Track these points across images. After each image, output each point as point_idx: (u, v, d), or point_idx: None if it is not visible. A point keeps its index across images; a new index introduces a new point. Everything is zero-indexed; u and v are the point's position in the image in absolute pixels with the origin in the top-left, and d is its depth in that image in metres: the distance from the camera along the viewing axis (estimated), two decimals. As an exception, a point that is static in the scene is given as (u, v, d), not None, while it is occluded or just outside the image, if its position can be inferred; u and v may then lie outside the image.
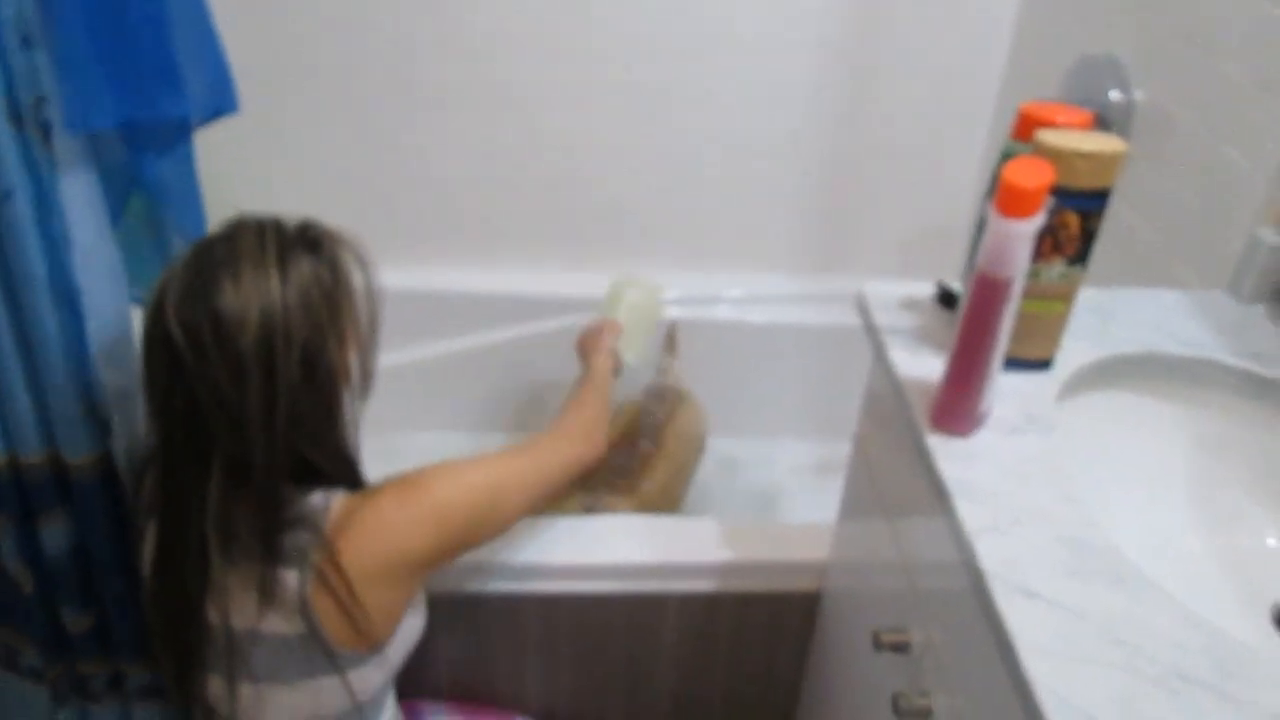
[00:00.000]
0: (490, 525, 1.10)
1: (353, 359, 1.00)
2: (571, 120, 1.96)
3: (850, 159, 2.03)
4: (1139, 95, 1.46)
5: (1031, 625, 0.76)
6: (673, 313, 2.10)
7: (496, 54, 1.88)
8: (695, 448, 1.86)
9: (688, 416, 1.85)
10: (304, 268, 0.94)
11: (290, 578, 0.97)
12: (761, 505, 2.09)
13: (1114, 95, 1.49)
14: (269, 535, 0.96)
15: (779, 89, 1.94)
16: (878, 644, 1.06)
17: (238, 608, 0.98)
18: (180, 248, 1.16)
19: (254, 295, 0.91)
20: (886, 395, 1.10)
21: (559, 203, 2.06)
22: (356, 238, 1.01)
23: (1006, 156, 0.94)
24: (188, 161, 1.08)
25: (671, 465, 1.76)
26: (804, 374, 2.17)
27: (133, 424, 1.13)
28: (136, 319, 1.01)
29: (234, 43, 1.14)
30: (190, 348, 0.90)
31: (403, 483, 1.03)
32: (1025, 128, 0.96)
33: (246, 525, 0.96)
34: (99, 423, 1.08)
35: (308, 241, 0.97)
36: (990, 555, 0.82)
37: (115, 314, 1.07)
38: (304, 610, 0.97)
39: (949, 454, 0.93)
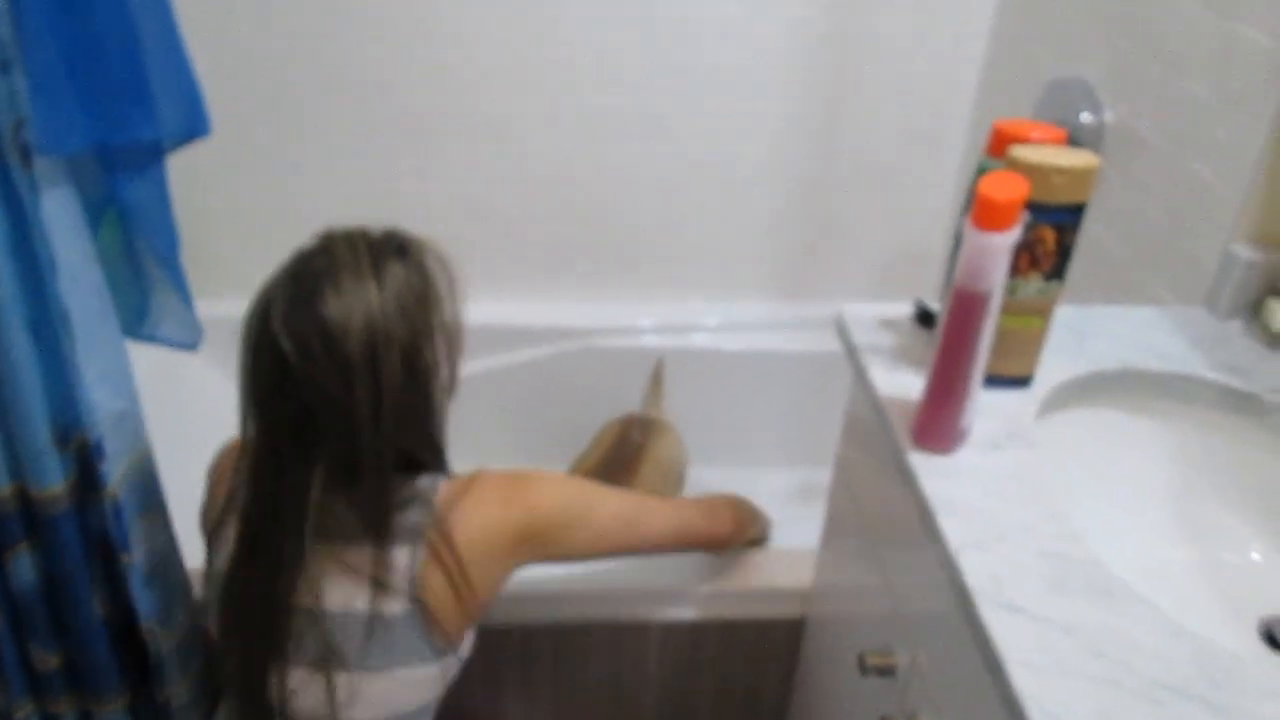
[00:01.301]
0: (614, 540, 1.19)
1: (442, 356, 1.05)
2: (546, 150, 1.96)
3: (825, 186, 2.04)
4: (1109, 116, 1.48)
5: (1017, 640, 0.76)
6: (651, 342, 2.10)
7: (473, 84, 1.88)
8: (673, 478, 1.84)
9: (666, 446, 1.84)
10: (397, 273, 0.98)
11: (401, 556, 1.02)
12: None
13: (1085, 117, 1.50)
14: (379, 520, 1.01)
15: (753, 117, 1.95)
16: (864, 667, 1.05)
17: (334, 592, 1.02)
18: (155, 271, 1.16)
19: (356, 302, 0.94)
20: (867, 415, 1.09)
21: (534, 233, 2.06)
22: (436, 241, 1.06)
23: (982, 172, 0.95)
24: (160, 184, 1.07)
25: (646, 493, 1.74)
26: (783, 401, 2.16)
27: (131, 449, 1.11)
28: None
29: (213, 71, 1.13)
30: (300, 355, 0.93)
31: (514, 472, 1.12)
32: (1000, 144, 0.96)
33: (351, 514, 1.01)
34: (71, 451, 1.06)
35: (396, 248, 1.01)
36: (975, 571, 0.82)
37: (103, 335, 1.06)
38: (413, 587, 1.02)
39: (931, 471, 0.93)
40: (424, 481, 1.06)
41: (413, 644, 1.04)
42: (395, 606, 1.02)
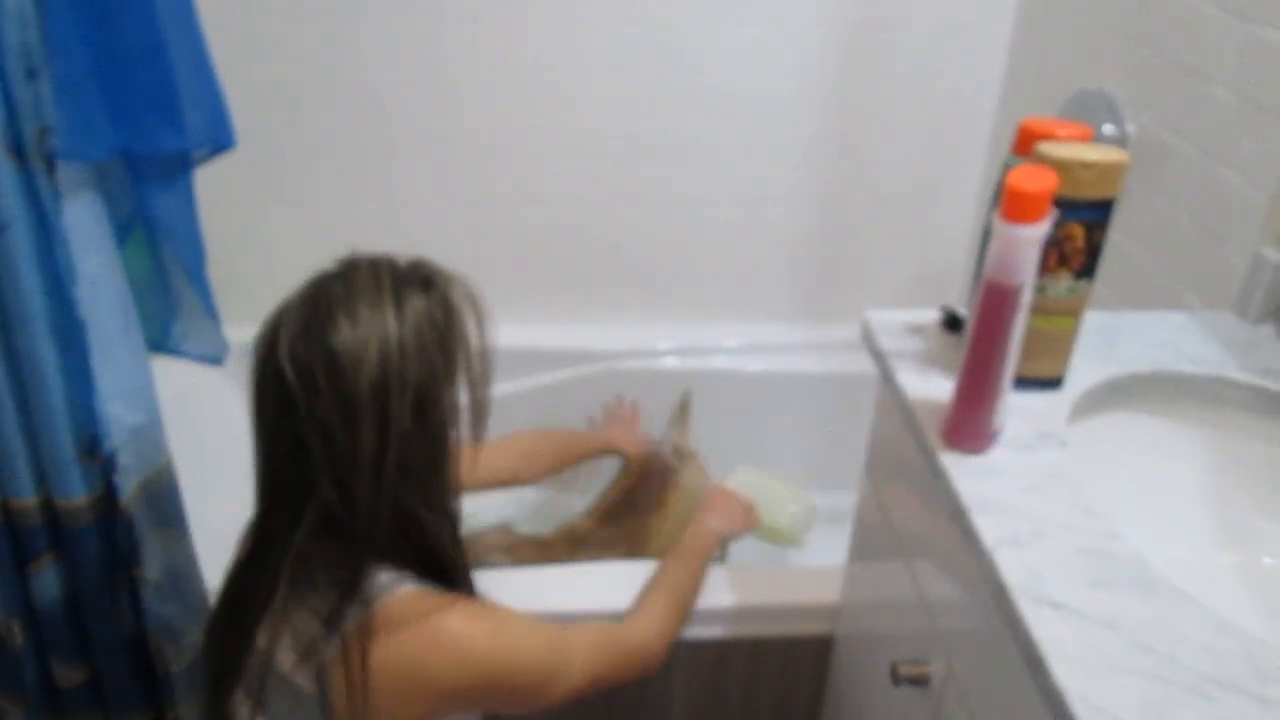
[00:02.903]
0: (526, 703, 1.05)
1: (461, 405, 0.97)
2: (566, 171, 1.97)
3: (845, 206, 2.04)
4: (1132, 128, 1.48)
5: (1059, 636, 0.74)
6: (672, 364, 2.10)
7: (493, 107, 1.90)
8: (697, 506, 1.83)
9: (691, 475, 1.82)
10: (418, 306, 0.92)
11: (320, 635, 0.93)
12: (768, 555, 2.05)
13: (1108, 129, 1.50)
14: (350, 589, 0.92)
15: (773, 138, 1.96)
16: (896, 678, 1.03)
17: (283, 647, 0.96)
18: (182, 285, 1.16)
19: (371, 334, 0.88)
20: (896, 420, 1.08)
21: (553, 255, 2.06)
22: (466, 278, 0.99)
23: (1008, 169, 0.94)
24: (188, 196, 1.08)
25: (675, 526, 1.72)
26: (805, 423, 2.15)
27: (147, 463, 1.11)
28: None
29: (230, 92, 1.14)
30: (302, 386, 0.87)
31: (473, 617, 0.98)
32: (1026, 142, 0.96)
33: (324, 575, 0.93)
34: (98, 462, 1.06)
35: (420, 279, 0.94)
36: (1012, 568, 0.80)
37: (126, 350, 1.05)
38: (320, 673, 0.93)
39: (964, 471, 0.91)
40: (384, 577, 0.95)
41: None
42: (306, 683, 0.95)
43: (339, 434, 0.88)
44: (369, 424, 0.88)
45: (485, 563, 1.51)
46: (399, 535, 0.95)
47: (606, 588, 1.38)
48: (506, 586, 1.38)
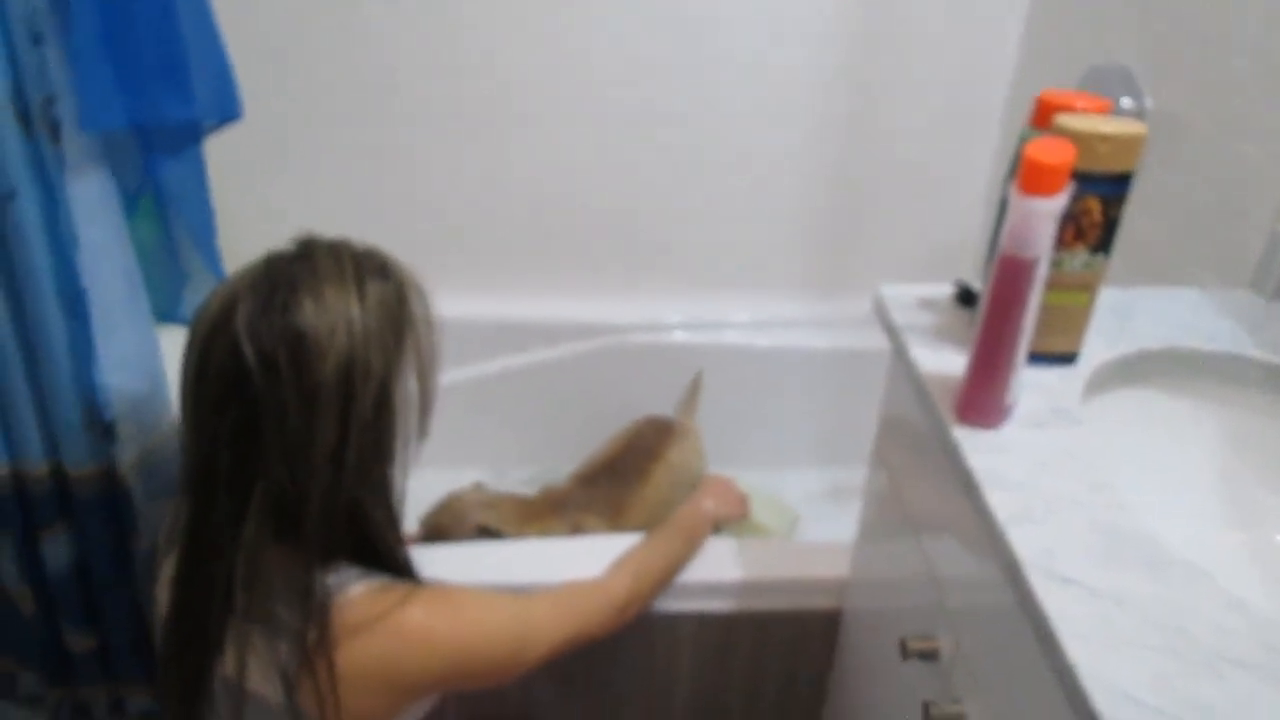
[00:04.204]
0: (501, 676, 1.05)
1: (412, 396, 0.94)
2: (575, 142, 1.96)
3: (857, 179, 2.03)
4: (1150, 103, 1.46)
5: (1071, 612, 0.73)
6: (681, 339, 2.09)
7: (500, 76, 1.88)
8: (683, 485, 1.83)
9: (681, 451, 1.82)
10: (377, 292, 0.89)
11: (284, 649, 0.91)
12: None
13: (1125, 103, 1.48)
14: (306, 599, 0.89)
15: (783, 110, 1.94)
16: (905, 652, 1.03)
17: (250, 659, 0.92)
18: (191, 255, 1.16)
19: (339, 320, 0.85)
20: (907, 396, 1.08)
21: (563, 227, 2.05)
22: (416, 271, 0.96)
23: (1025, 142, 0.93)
24: (197, 165, 1.07)
25: (657, 497, 1.73)
26: (814, 398, 2.14)
27: (147, 434, 1.10)
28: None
29: (240, 59, 1.13)
30: (262, 367, 0.83)
31: (433, 606, 0.96)
32: (1044, 115, 0.95)
33: (280, 581, 0.90)
34: (101, 432, 1.06)
35: (377, 267, 0.92)
36: (1024, 544, 0.80)
37: (129, 318, 1.05)
38: (289, 688, 0.91)
39: (977, 446, 0.91)
40: (330, 579, 0.92)
41: None
42: (273, 694, 0.92)
43: (295, 419, 0.84)
44: (330, 412, 0.85)
45: (470, 521, 1.51)
46: (341, 524, 0.92)
47: (585, 560, 1.36)
48: (526, 553, 1.40)
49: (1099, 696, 0.66)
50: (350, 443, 0.86)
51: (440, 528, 1.49)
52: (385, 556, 0.97)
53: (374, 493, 0.93)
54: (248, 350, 0.83)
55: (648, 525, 1.69)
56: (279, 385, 0.83)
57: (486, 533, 1.50)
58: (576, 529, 1.58)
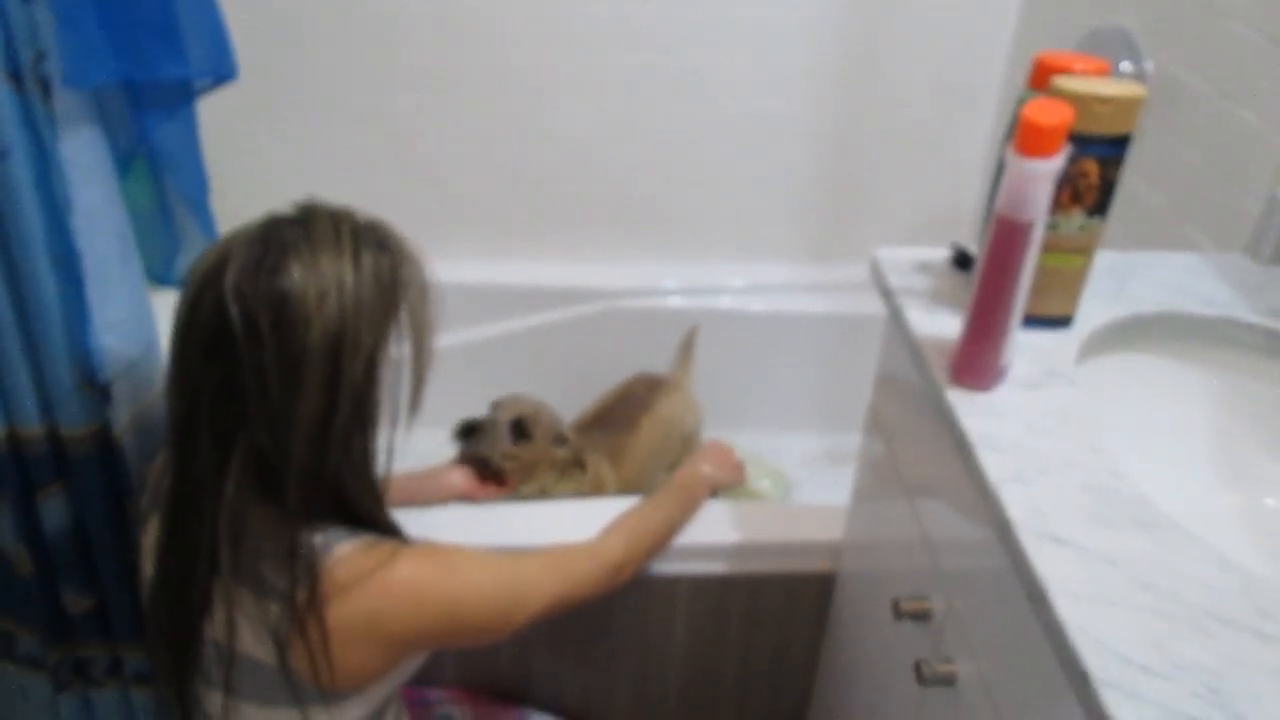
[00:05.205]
0: (492, 634, 1.05)
1: (390, 372, 0.93)
2: (571, 108, 1.95)
3: (854, 144, 2.02)
4: (1149, 65, 1.45)
5: (1062, 571, 0.74)
6: (677, 303, 2.09)
7: (497, 41, 1.87)
8: (674, 439, 1.84)
9: (671, 405, 1.84)
10: (373, 264, 0.88)
11: (273, 610, 0.91)
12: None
13: (1125, 67, 1.47)
14: (293, 560, 0.89)
15: (780, 74, 1.93)
16: (898, 613, 1.04)
17: (240, 621, 0.93)
18: (185, 219, 1.15)
19: (329, 288, 0.84)
20: (902, 358, 1.08)
21: (558, 191, 2.05)
22: (414, 240, 0.95)
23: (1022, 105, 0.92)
24: (190, 127, 1.06)
25: (646, 447, 1.75)
26: (810, 363, 2.15)
27: (140, 396, 1.10)
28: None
29: (235, 19, 1.12)
30: (245, 328, 0.82)
31: (421, 561, 0.96)
32: (1042, 76, 0.94)
33: (266, 544, 0.90)
34: (97, 393, 1.06)
35: (377, 240, 0.91)
36: (1016, 504, 0.80)
37: (122, 279, 1.04)
38: (280, 648, 0.91)
39: (970, 408, 0.91)
40: (316, 540, 0.92)
41: (294, 691, 0.93)
42: (265, 655, 0.93)
43: (276, 385, 0.84)
44: (315, 380, 0.85)
45: (548, 420, 1.57)
46: (324, 488, 0.92)
47: (577, 523, 1.35)
48: (519, 515, 1.41)
49: (1089, 655, 0.67)
50: (336, 412, 0.86)
51: (525, 419, 1.54)
52: (366, 520, 0.97)
53: (355, 461, 0.93)
54: (232, 310, 0.82)
55: (638, 475, 1.71)
56: (260, 348, 0.83)
57: (560, 440, 1.58)
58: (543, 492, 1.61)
